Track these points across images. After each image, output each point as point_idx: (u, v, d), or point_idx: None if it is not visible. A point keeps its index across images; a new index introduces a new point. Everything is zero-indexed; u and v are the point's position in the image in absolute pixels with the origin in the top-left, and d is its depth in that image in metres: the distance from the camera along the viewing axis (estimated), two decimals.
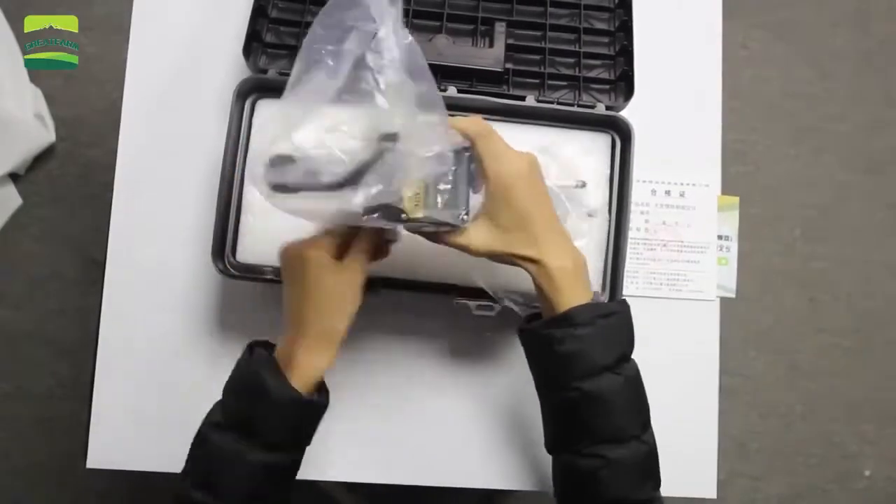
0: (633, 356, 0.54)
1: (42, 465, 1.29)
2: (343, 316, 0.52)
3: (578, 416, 0.51)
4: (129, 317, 0.70)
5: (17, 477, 1.30)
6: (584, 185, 0.64)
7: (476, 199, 0.52)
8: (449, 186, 0.49)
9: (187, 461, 0.51)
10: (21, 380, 1.33)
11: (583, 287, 0.52)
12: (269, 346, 0.54)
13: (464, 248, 0.51)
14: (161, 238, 0.71)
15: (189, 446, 0.51)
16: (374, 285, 0.63)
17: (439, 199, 0.49)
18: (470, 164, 0.51)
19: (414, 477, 0.69)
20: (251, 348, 0.53)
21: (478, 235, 0.51)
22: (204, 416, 0.52)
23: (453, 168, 0.50)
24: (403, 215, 0.48)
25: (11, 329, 1.35)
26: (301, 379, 0.50)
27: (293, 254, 0.52)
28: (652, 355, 0.73)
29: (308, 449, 0.69)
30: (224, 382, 0.52)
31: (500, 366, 0.71)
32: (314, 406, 0.52)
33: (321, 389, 0.54)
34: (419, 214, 0.49)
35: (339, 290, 0.51)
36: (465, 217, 0.50)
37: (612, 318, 0.51)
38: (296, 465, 0.54)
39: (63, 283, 1.36)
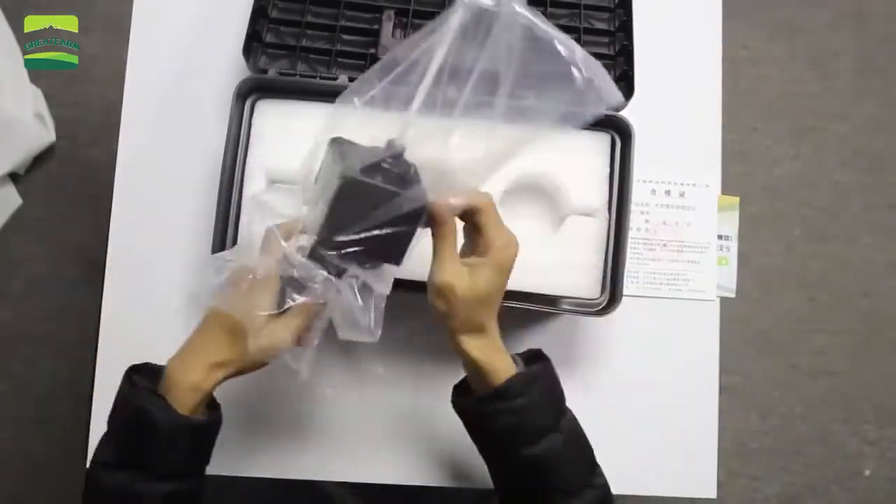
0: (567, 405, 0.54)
1: (42, 465, 1.29)
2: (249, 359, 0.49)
3: (528, 479, 0.51)
4: (129, 317, 0.70)
5: (17, 477, 1.29)
6: None
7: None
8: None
9: None
10: (21, 380, 1.33)
11: (504, 356, 0.51)
12: (148, 369, 0.51)
13: (441, 264, 0.49)
14: (161, 238, 0.71)
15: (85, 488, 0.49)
16: None
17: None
18: None
19: (414, 477, 0.69)
20: (129, 376, 0.50)
21: (462, 274, 0.49)
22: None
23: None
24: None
25: (11, 329, 1.35)
26: (187, 399, 0.47)
27: (237, 307, 0.47)
28: (652, 355, 0.73)
29: (308, 449, 0.69)
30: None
31: None
32: (206, 428, 0.50)
33: (212, 406, 0.52)
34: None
35: (259, 350, 0.48)
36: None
37: (540, 381, 0.51)
38: (199, 489, 0.51)
39: (63, 283, 1.36)
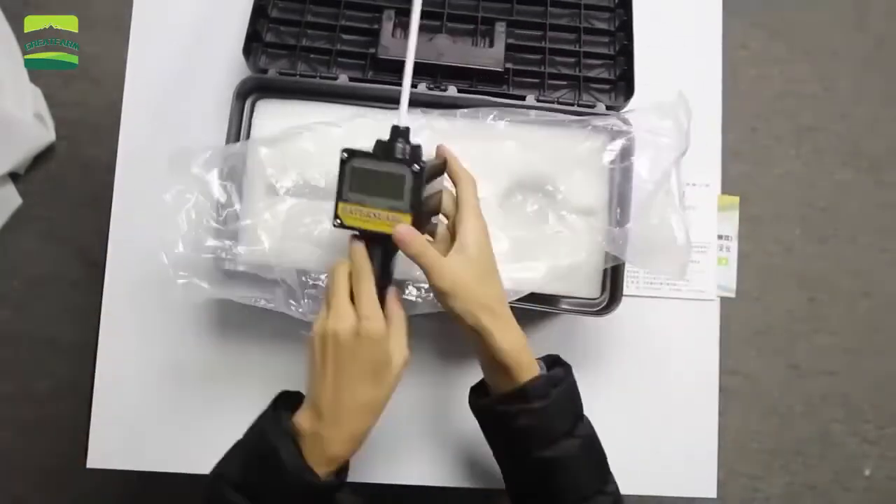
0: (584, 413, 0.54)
1: (42, 465, 1.29)
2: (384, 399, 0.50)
3: (542, 482, 0.51)
4: (129, 317, 0.70)
5: (17, 477, 1.29)
6: None
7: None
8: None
9: None
10: (21, 380, 1.33)
11: (530, 359, 0.52)
12: (295, 401, 0.51)
13: (430, 269, 0.49)
14: (161, 238, 0.71)
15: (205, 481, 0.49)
16: None
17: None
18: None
19: (415, 477, 0.69)
20: (275, 407, 0.51)
21: (453, 265, 0.49)
22: (214, 447, 0.50)
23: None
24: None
25: (11, 329, 1.35)
26: (323, 460, 0.48)
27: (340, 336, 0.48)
28: (652, 355, 0.73)
29: None
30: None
31: None
32: (329, 490, 0.49)
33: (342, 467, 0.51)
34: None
35: (394, 363, 0.50)
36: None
37: (562, 386, 0.51)
38: None
39: (63, 283, 1.36)
